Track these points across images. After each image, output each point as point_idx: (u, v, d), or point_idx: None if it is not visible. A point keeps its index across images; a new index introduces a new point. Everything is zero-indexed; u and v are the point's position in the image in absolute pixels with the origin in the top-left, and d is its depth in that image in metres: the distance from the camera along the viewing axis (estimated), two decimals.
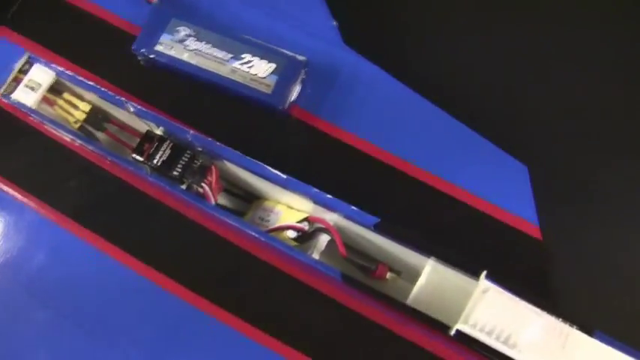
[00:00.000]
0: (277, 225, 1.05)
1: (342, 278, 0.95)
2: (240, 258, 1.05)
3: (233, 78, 1.14)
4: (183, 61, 1.17)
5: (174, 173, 1.06)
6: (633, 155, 1.28)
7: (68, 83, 1.17)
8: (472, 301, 0.88)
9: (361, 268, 1.03)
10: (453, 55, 1.37)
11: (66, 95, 1.17)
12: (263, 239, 1.00)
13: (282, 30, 1.20)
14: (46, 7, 1.29)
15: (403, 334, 0.98)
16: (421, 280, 0.95)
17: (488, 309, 0.87)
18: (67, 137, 1.13)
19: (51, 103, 1.18)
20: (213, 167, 1.08)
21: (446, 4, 1.44)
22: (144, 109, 1.10)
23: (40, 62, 1.17)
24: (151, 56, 1.18)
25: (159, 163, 1.07)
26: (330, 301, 1.01)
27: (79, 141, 1.12)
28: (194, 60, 1.16)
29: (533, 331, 0.86)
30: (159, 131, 1.10)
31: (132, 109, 1.10)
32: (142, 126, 1.14)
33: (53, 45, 1.24)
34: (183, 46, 1.17)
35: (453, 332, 0.87)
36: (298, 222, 1.04)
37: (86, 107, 1.16)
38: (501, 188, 1.09)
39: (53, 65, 1.17)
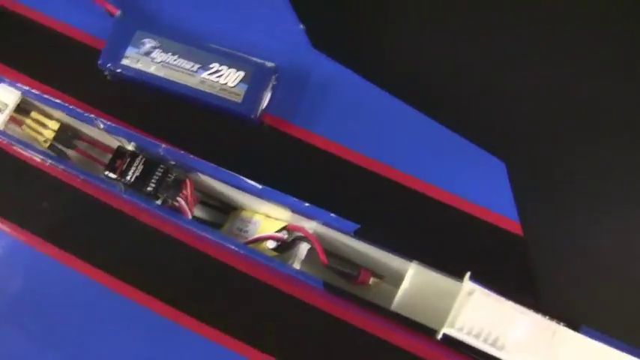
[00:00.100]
0: (256, 236, 1.04)
1: (324, 287, 0.94)
2: (220, 271, 1.04)
3: (202, 89, 1.13)
4: (151, 74, 1.15)
5: (149, 189, 1.05)
6: (610, 148, 1.29)
7: (35, 102, 1.15)
8: (457, 303, 0.87)
9: (343, 274, 1.02)
10: (423, 54, 1.37)
11: (34, 114, 1.15)
12: (242, 252, 0.99)
13: (248, 37, 1.18)
14: (7, 26, 1.27)
15: (389, 339, 0.97)
16: (404, 285, 0.94)
17: (475, 311, 0.87)
18: (37, 157, 1.11)
19: (19, 123, 1.16)
20: (187, 180, 1.06)
21: (414, 2, 1.44)
22: (114, 125, 1.08)
23: (5, 82, 1.15)
24: (118, 71, 1.16)
25: (132, 180, 1.05)
26: (314, 310, 1.00)
27: (49, 161, 1.10)
28: (162, 72, 1.15)
29: (520, 330, 0.86)
30: (130, 147, 1.09)
31: (102, 126, 1.08)
32: (112, 142, 1.13)
33: (17, 64, 1.22)
34: (150, 59, 1.15)
35: (439, 336, 0.86)
36: (277, 231, 1.03)
37: (55, 125, 1.15)
38: (480, 186, 1.09)
39: (19, 85, 1.14)
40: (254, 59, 1.14)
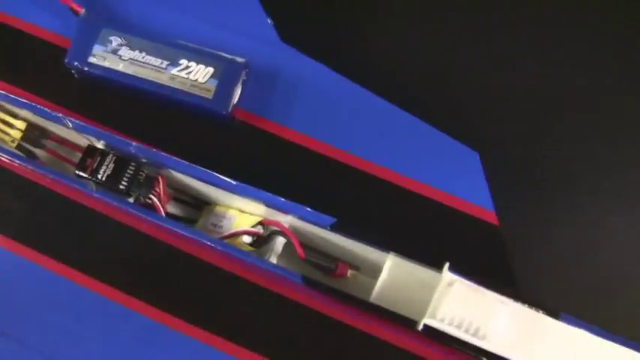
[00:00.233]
0: (232, 231, 1.04)
1: (302, 281, 0.94)
2: (196, 267, 1.04)
3: (172, 85, 1.12)
4: (120, 72, 1.14)
5: (121, 187, 1.04)
6: (584, 137, 1.30)
7: (1, 102, 1.13)
8: (437, 294, 0.88)
9: (321, 268, 1.02)
10: (394, 46, 1.37)
11: (0, 114, 1.14)
12: (218, 247, 0.98)
13: (216, 32, 1.18)
14: None
15: (370, 331, 0.97)
16: (383, 276, 0.95)
17: (455, 302, 0.87)
18: (5, 158, 1.09)
19: None
20: (160, 178, 1.06)
21: None
22: (83, 123, 1.07)
23: None
24: (85, 69, 1.15)
25: (103, 178, 1.04)
26: (293, 303, 1.00)
27: (17, 161, 1.09)
28: (130, 70, 1.14)
29: (501, 320, 0.86)
30: (100, 145, 1.08)
31: (70, 125, 1.07)
32: (82, 140, 1.11)
33: None
34: (118, 57, 1.14)
35: (420, 327, 0.87)
36: (252, 226, 1.03)
37: (22, 125, 1.13)
38: (454, 176, 1.09)
39: None
40: (224, 55, 1.13)
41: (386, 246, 0.96)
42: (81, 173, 1.05)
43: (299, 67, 1.16)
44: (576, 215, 1.26)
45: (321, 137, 1.12)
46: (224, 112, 1.12)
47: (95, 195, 1.04)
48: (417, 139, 1.12)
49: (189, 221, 1.10)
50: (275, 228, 1.02)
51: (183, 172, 1.04)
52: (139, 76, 1.13)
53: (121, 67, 1.14)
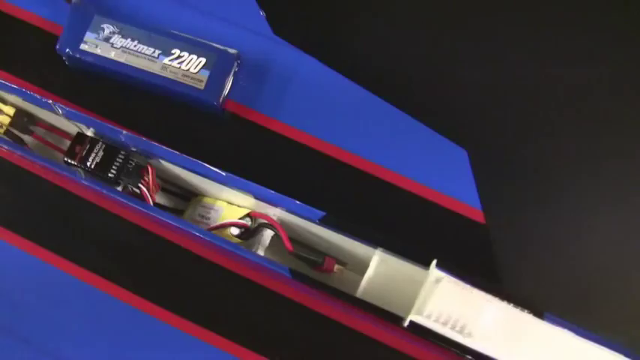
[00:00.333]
0: (220, 223, 1.03)
1: (290, 274, 0.94)
2: (183, 258, 1.04)
3: (164, 75, 1.12)
4: (111, 60, 1.14)
5: (110, 175, 1.03)
6: (572, 135, 1.30)
7: None
8: (424, 290, 0.88)
9: (308, 262, 1.02)
10: (385, 41, 1.37)
11: None
12: (206, 238, 0.98)
13: (209, 23, 1.18)
14: None
15: (356, 326, 0.98)
16: (369, 272, 0.95)
17: (442, 299, 0.87)
18: None
19: None
20: (149, 167, 1.05)
21: None
22: (73, 110, 1.06)
23: None
24: (77, 56, 1.15)
25: (92, 166, 1.04)
26: (279, 297, 1.00)
27: (6, 146, 1.08)
28: (122, 58, 1.13)
29: (487, 318, 0.86)
30: (90, 132, 1.07)
31: (61, 111, 1.07)
32: (71, 128, 1.11)
33: None
34: (110, 44, 1.14)
35: (406, 323, 0.87)
36: (240, 218, 1.03)
37: (10, 110, 1.12)
38: (442, 173, 1.10)
39: None
40: (216, 45, 1.14)
41: (373, 241, 0.96)
42: (70, 160, 1.04)
43: (290, 60, 1.17)
44: (563, 214, 1.26)
45: (311, 130, 1.12)
46: (215, 103, 1.12)
47: (83, 182, 1.03)
48: (407, 135, 1.12)
49: (177, 212, 1.10)
50: (263, 220, 1.02)
51: (172, 162, 1.04)
52: (131, 64, 1.13)
53: (112, 55, 1.14)
